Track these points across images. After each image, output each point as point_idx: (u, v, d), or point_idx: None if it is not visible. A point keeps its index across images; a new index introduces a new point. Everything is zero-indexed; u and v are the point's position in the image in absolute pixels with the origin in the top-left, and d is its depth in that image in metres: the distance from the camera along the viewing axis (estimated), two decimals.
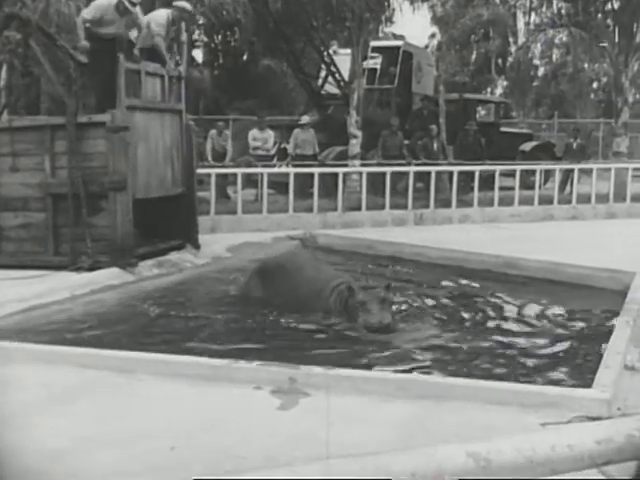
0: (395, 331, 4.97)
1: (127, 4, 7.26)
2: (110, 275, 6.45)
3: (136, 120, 6.94)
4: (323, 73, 16.04)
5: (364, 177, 10.69)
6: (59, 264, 6.70)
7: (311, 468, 2.15)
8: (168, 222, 7.60)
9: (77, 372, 3.87)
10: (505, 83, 30.26)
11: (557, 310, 5.84)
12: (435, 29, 21.55)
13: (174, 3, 8.18)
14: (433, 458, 2.16)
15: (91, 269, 6.56)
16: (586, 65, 24.87)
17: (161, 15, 7.90)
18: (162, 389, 3.67)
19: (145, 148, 7.13)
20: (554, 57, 28.28)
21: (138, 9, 7.57)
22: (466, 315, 5.67)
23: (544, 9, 16.97)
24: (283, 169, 11.94)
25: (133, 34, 7.73)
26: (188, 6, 8.34)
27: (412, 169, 11.27)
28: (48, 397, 3.56)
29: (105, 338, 4.83)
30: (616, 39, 14.42)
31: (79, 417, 3.32)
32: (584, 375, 3.94)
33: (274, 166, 12.59)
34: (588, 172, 12.71)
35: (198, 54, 23.26)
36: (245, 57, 23.68)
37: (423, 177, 11.41)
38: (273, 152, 13.43)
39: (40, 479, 2.70)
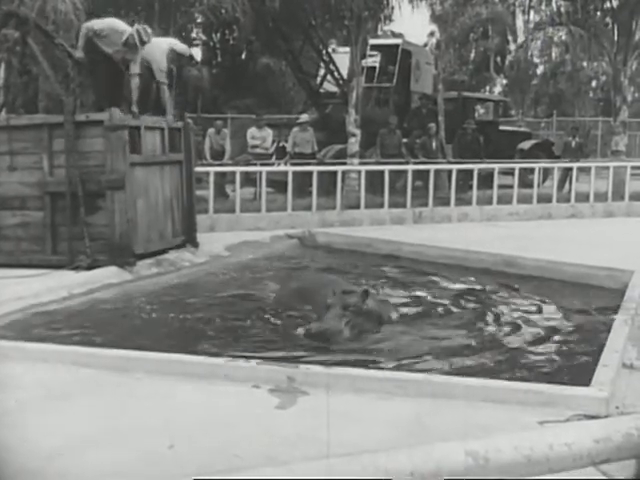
0: (335, 340, 4.54)
1: (137, 41, 7.27)
2: (108, 274, 6.44)
3: (136, 175, 6.88)
4: (322, 71, 16.01)
5: (363, 175, 10.67)
6: (57, 263, 6.68)
7: (310, 467, 2.14)
8: None
9: (74, 371, 3.86)
10: (504, 81, 30.27)
11: (555, 308, 5.84)
12: (434, 27, 21.53)
13: (174, 45, 8.23)
14: (431, 456, 2.15)
15: (89, 268, 6.54)
16: (585, 63, 24.87)
17: (161, 56, 7.82)
18: (160, 388, 3.66)
19: (145, 202, 7.06)
20: (553, 55, 28.29)
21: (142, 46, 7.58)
22: (463, 313, 5.67)
23: (543, 7, 16.92)
24: (282, 167, 11.93)
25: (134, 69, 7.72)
26: (187, 51, 8.65)
27: (411, 167, 11.26)
28: (45, 396, 3.55)
29: (102, 337, 4.81)
30: (615, 37, 14.41)
31: (76, 416, 3.32)
32: (582, 374, 3.93)
33: (273, 165, 12.58)
34: (587, 171, 12.71)
35: (197, 52, 23.23)
36: (244, 55, 23.64)
37: (422, 175, 11.40)
38: (272, 151, 13.42)
39: (36, 478, 2.69)
